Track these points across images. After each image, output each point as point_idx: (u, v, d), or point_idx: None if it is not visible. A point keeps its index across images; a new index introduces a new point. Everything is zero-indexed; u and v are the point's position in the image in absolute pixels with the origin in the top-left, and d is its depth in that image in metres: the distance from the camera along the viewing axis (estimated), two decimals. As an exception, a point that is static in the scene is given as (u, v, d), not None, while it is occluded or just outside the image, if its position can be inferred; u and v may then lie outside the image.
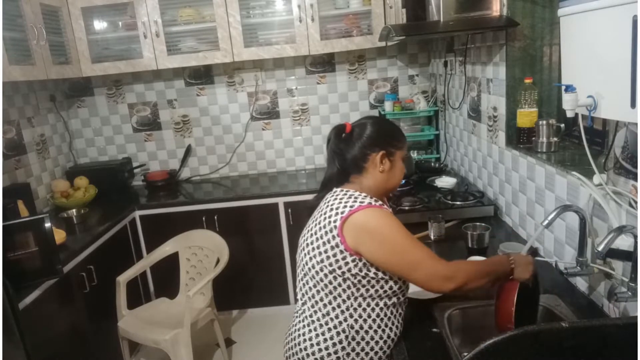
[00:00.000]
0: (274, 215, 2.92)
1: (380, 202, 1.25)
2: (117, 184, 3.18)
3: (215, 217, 2.88)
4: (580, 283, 1.47)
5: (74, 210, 2.70)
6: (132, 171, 3.36)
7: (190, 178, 3.49)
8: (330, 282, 1.23)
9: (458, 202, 2.21)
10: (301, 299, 1.33)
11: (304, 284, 1.31)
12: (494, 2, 1.93)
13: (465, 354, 0.95)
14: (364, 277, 1.21)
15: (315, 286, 1.26)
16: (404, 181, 2.51)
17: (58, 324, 2.05)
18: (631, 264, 1.16)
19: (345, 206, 1.21)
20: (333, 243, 1.20)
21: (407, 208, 2.22)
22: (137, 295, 2.82)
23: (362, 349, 1.24)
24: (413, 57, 3.31)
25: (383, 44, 2.55)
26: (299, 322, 1.33)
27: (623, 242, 1.15)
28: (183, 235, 2.68)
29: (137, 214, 2.92)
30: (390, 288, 1.24)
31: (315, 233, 1.25)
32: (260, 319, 3.08)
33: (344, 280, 1.21)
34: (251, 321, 3.08)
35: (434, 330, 1.32)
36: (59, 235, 2.19)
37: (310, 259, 1.25)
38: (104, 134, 3.43)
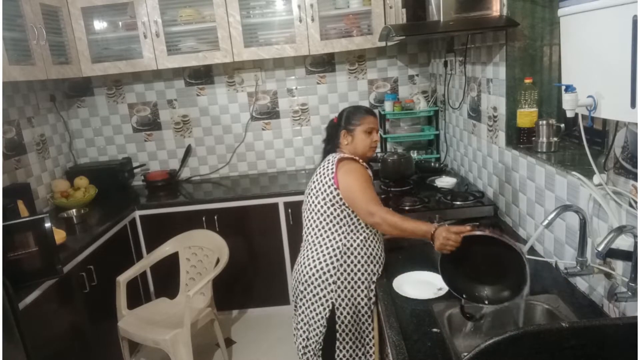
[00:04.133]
0: (274, 215, 2.92)
1: (364, 164, 1.75)
2: (117, 184, 3.18)
3: (215, 217, 2.88)
4: (580, 283, 1.47)
5: (74, 210, 2.70)
6: (132, 171, 3.36)
7: (190, 178, 3.49)
8: (329, 213, 1.70)
9: (458, 202, 2.21)
10: (305, 232, 1.80)
11: (308, 220, 1.78)
12: (494, 2, 1.93)
13: (465, 354, 0.95)
14: (343, 204, 1.68)
15: (318, 218, 1.73)
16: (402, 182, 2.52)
17: (58, 324, 2.05)
18: (631, 264, 1.16)
19: (335, 157, 1.74)
20: (329, 183, 1.69)
21: (407, 208, 2.22)
22: (137, 295, 2.82)
23: (352, 261, 1.70)
24: (413, 57, 3.31)
25: (383, 44, 2.55)
26: (304, 248, 1.80)
27: (623, 242, 1.15)
28: (183, 235, 2.68)
29: (137, 214, 2.92)
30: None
31: (319, 182, 1.73)
32: (260, 319, 3.08)
33: (338, 208, 1.69)
34: (251, 321, 3.08)
35: (434, 330, 1.32)
36: (59, 235, 2.19)
37: (316, 197, 1.73)
38: (104, 134, 3.43)
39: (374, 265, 1.73)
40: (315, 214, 1.73)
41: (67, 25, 2.82)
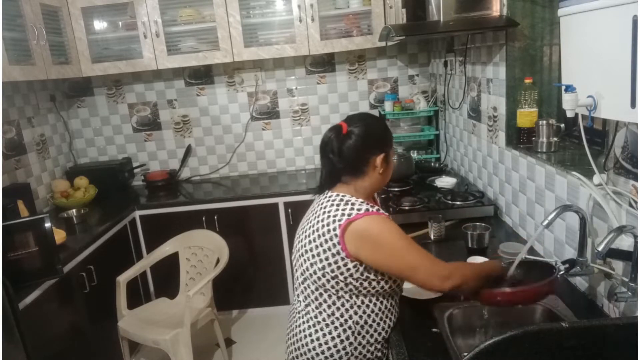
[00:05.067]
0: (274, 215, 2.92)
1: (376, 208, 1.26)
2: (117, 184, 3.18)
3: (215, 217, 2.88)
4: (580, 283, 1.47)
5: (74, 210, 2.70)
6: (132, 171, 3.36)
7: (190, 178, 3.49)
8: (333, 287, 1.26)
9: (458, 202, 2.21)
10: (304, 301, 1.35)
11: (305, 287, 1.33)
12: (494, 2, 1.93)
13: (465, 354, 0.95)
14: (365, 280, 1.25)
15: (317, 289, 1.29)
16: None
17: (58, 324, 2.05)
18: (631, 264, 1.16)
19: (343, 213, 1.23)
20: (334, 250, 1.22)
21: (407, 208, 2.22)
22: (137, 295, 2.82)
23: (367, 341, 1.30)
24: (413, 57, 3.31)
25: (383, 44, 2.55)
26: (303, 322, 1.34)
27: (623, 242, 1.15)
28: (183, 235, 2.68)
29: (137, 214, 2.92)
30: (390, 286, 1.30)
31: (314, 240, 1.27)
32: (260, 319, 3.08)
33: (346, 284, 1.25)
34: (251, 321, 3.08)
35: (434, 330, 1.31)
36: (59, 235, 2.19)
37: (312, 264, 1.28)
38: (104, 134, 3.43)
39: (387, 331, 1.34)
40: (313, 283, 1.29)
41: (67, 25, 2.82)
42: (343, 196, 1.28)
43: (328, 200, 1.29)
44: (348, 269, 1.23)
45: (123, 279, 2.43)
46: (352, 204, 1.24)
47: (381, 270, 1.24)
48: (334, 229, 1.22)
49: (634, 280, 1.15)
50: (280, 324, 2.94)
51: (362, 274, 1.24)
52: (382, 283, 1.27)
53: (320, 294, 1.29)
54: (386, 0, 2.78)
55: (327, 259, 1.24)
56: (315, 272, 1.27)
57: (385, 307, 1.31)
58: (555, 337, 0.92)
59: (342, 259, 1.22)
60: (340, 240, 1.21)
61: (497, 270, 1.31)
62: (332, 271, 1.24)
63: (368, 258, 1.21)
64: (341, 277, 1.24)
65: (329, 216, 1.25)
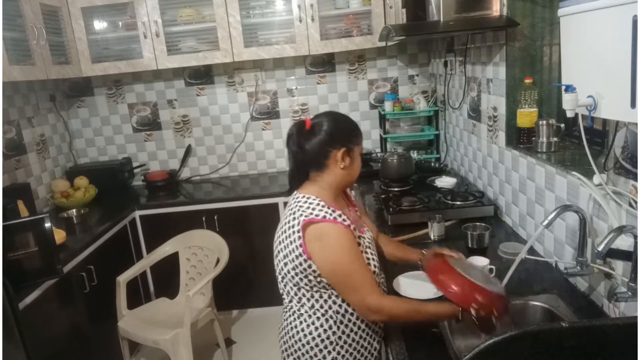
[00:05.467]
0: (274, 215, 2.92)
1: (338, 213, 1.27)
2: (117, 184, 3.18)
3: (215, 217, 2.88)
4: (580, 283, 1.47)
5: (74, 210, 2.70)
6: (132, 171, 3.36)
7: (190, 178, 3.49)
8: (306, 284, 1.31)
9: (458, 202, 2.21)
10: (287, 297, 1.40)
11: (284, 285, 1.38)
12: (494, 2, 1.93)
13: (465, 354, 0.95)
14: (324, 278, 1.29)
15: (295, 285, 1.34)
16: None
17: (58, 324, 2.05)
18: (631, 264, 1.16)
19: (303, 215, 1.26)
20: (297, 252, 1.27)
21: (407, 208, 2.22)
22: (137, 295, 2.82)
23: (351, 329, 1.33)
24: (413, 57, 3.31)
25: (383, 44, 2.55)
26: (289, 316, 1.39)
27: (623, 242, 1.15)
28: (183, 235, 2.68)
29: (137, 214, 2.92)
30: None
31: (283, 241, 1.32)
32: (260, 319, 3.08)
33: (318, 281, 1.29)
34: (251, 321, 3.08)
35: (434, 330, 1.31)
36: (59, 235, 2.19)
37: (285, 264, 1.33)
38: (104, 134, 3.43)
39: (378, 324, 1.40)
40: (290, 281, 1.33)
41: (67, 25, 2.82)
42: (308, 197, 1.31)
43: (295, 202, 1.32)
44: (310, 266, 1.26)
45: (123, 279, 2.43)
46: (313, 208, 1.27)
47: (323, 275, 1.27)
48: (298, 231, 1.26)
49: (634, 280, 1.15)
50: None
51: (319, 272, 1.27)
52: None
53: (299, 289, 1.33)
54: (386, 0, 2.77)
55: (293, 260, 1.29)
56: (288, 272, 1.32)
57: None
58: (555, 337, 0.92)
59: (305, 260, 1.26)
60: (302, 241, 1.25)
61: (452, 317, 1.25)
62: (301, 271, 1.28)
63: (317, 260, 1.25)
64: (310, 276, 1.28)
65: (293, 218, 1.29)
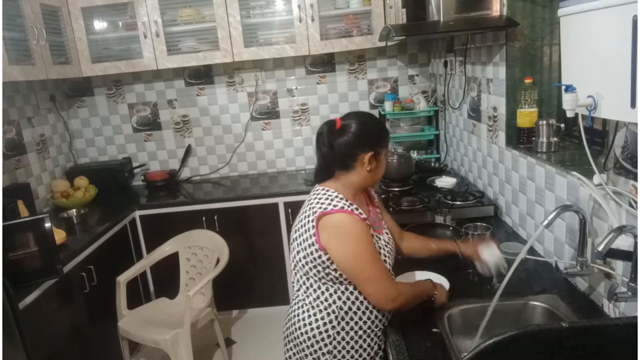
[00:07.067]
0: (274, 215, 2.92)
1: (354, 206, 1.30)
2: (117, 184, 3.18)
3: (215, 217, 2.88)
4: (580, 283, 1.47)
5: (74, 210, 2.70)
6: (132, 171, 3.36)
7: (190, 178, 3.49)
8: (315, 274, 1.33)
9: (458, 202, 2.21)
10: (295, 285, 1.43)
11: (295, 273, 1.41)
12: (494, 2, 1.93)
13: (465, 354, 0.95)
14: (334, 270, 1.30)
15: (304, 275, 1.36)
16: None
17: (58, 324, 2.05)
18: (631, 264, 1.16)
19: (320, 206, 1.30)
20: (310, 241, 1.29)
21: (407, 208, 2.22)
22: (137, 295, 2.82)
23: (351, 328, 1.35)
24: (413, 57, 3.31)
25: (383, 44, 2.55)
26: (295, 304, 1.44)
27: (623, 242, 1.15)
28: (183, 235, 2.68)
29: (137, 214, 2.92)
30: None
31: (299, 230, 1.35)
32: (260, 319, 3.08)
33: (327, 273, 1.31)
34: (251, 321, 3.08)
35: (434, 330, 1.32)
36: (59, 235, 2.19)
37: (298, 252, 1.35)
38: (104, 134, 3.43)
39: (380, 321, 1.40)
40: (301, 269, 1.36)
41: (67, 25, 2.82)
42: (327, 191, 1.34)
43: (315, 196, 1.35)
44: (320, 257, 1.28)
45: (123, 279, 2.43)
46: (331, 200, 1.30)
47: (339, 267, 1.28)
48: (312, 220, 1.29)
49: (634, 280, 1.15)
50: (280, 324, 2.89)
51: (332, 264, 1.28)
52: None
53: (307, 279, 1.36)
54: (386, 0, 2.78)
55: (305, 249, 1.31)
56: (300, 260, 1.34)
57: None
58: (555, 337, 0.92)
59: (317, 250, 1.28)
60: (315, 231, 1.27)
61: (429, 292, 1.39)
62: (311, 260, 1.30)
63: (333, 251, 1.27)
64: (319, 267, 1.30)
65: (310, 208, 1.32)
